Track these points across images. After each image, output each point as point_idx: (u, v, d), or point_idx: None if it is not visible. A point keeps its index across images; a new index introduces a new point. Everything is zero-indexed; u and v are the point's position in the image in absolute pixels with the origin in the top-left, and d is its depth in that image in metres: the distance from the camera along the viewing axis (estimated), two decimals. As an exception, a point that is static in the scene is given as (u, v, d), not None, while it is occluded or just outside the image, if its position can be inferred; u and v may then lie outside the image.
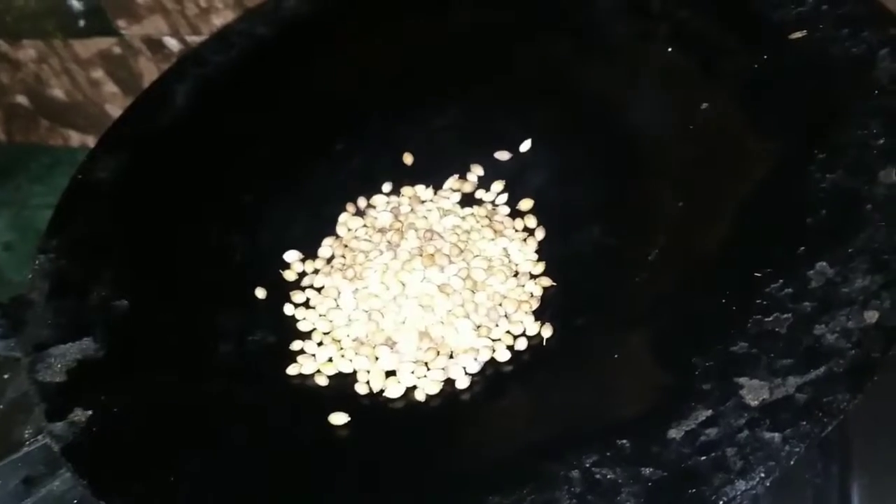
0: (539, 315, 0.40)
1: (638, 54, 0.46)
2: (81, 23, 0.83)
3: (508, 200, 0.45)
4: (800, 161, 0.38)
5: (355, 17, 0.52)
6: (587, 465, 0.32)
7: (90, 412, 0.38)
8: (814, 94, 0.40)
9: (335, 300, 0.41)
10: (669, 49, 0.45)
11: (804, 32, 0.42)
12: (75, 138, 0.96)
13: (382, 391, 0.38)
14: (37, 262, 0.44)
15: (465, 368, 0.38)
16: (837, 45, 0.41)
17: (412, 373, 0.38)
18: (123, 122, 0.51)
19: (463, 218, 0.44)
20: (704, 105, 0.43)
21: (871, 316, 0.32)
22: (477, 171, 0.46)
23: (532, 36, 0.49)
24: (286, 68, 0.51)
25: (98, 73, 0.88)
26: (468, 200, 0.45)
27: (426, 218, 0.44)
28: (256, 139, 0.49)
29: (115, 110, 0.89)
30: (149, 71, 0.85)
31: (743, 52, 0.43)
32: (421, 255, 0.41)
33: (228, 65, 0.52)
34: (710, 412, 0.32)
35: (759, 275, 0.35)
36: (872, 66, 0.39)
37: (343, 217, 0.46)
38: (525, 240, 0.43)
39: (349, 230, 0.45)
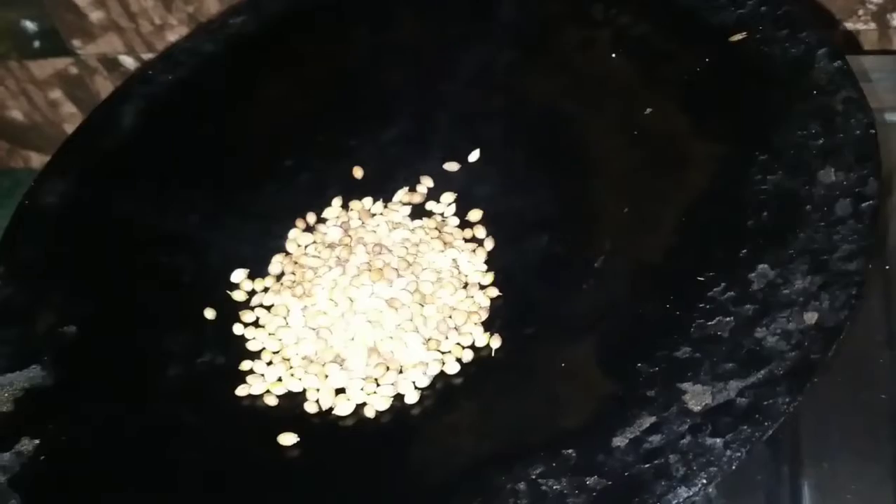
0: (488, 326, 0.40)
1: (582, 61, 0.46)
2: (36, 43, 0.82)
3: (458, 211, 0.44)
4: (741, 163, 0.38)
5: (301, 32, 0.52)
6: (533, 477, 0.32)
7: (37, 441, 0.38)
8: (754, 96, 0.41)
9: (284, 318, 0.41)
10: (613, 55, 0.45)
11: (744, 34, 0.43)
12: (36, 160, 0.95)
13: (332, 409, 0.38)
14: (-17, 289, 0.44)
15: (414, 383, 0.38)
16: (777, 46, 0.41)
17: (362, 389, 0.38)
18: (70, 145, 0.50)
19: (412, 230, 0.43)
20: (648, 110, 0.43)
21: (811, 317, 0.32)
22: (427, 182, 0.46)
23: (476, 45, 0.49)
24: (233, 85, 0.51)
25: (56, 94, 0.87)
26: (419, 212, 0.45)
27: (375, 232, 0.43)
28: (204, 157, 0.48)
29: (74, 130, 0.88)
30: (106, 90, 0.84)
31: (685, 55, 0.44)
32: (369, 270, 0.41)
33: (175, 83, 0.51)
34: (653, 419, 0.32)
35: (702, 279, 0.36)
36: (811, 67, 0.40)
37: (293, 233, 0.45)
38: (474, 250, 0.42)
39: (299, 246, 0.45)
